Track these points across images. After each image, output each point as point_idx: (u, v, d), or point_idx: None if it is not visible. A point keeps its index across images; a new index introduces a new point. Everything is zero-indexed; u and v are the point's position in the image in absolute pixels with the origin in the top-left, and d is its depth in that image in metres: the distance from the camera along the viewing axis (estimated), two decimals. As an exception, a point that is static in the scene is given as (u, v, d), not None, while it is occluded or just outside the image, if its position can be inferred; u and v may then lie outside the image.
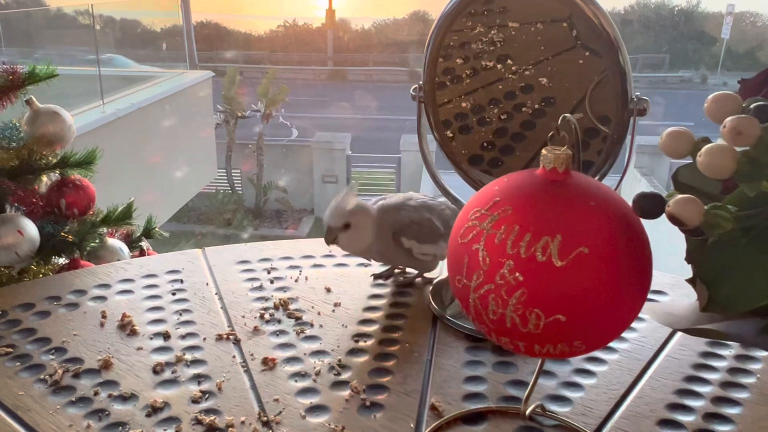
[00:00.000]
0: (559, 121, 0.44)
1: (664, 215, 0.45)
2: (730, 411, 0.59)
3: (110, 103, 4.87)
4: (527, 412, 0.55)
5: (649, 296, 0.79)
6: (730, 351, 0.69)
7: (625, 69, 0.67)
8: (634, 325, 0.73)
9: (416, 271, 0.83)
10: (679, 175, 0.51)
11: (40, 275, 1.14)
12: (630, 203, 0.44)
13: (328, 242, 0.74)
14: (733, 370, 0.65)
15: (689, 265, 0.46)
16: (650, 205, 0.41)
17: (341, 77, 14.49)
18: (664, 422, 0.58)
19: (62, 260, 1.14)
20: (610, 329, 0.44)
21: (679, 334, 0.72)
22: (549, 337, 0.43)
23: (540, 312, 0.42)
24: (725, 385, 0.63)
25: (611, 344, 0.69)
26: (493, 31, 0.77)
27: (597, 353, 0.68)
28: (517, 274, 0.42)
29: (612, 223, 0.43)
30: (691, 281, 0.44)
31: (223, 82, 9.56)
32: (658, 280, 0.83)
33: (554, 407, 0.60)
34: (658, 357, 0.68)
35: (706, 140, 0.41)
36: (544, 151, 0.44)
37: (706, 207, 0.39)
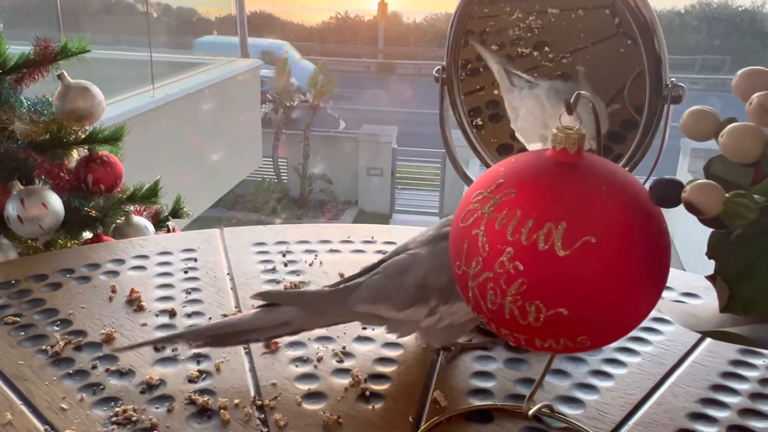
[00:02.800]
0: (572, 98, 0.41)
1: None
2: (758, 425, 0.55)
3: (160, 88, 4.95)
4: (531, 412, 0.52)
5: (680, 298, 0.75)
6: (764, 360, 0.64)
7: (660, 54, 0.63)
8: (660, 327, 0.69)
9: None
10: (712, 166, 0.47)
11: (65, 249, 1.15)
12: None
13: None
14: (765, 381, 0.60)
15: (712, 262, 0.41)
16: (666, 191, 0.37)
17: (390, 70, 14.45)
18: (683, 432, 0.54)
19: (88, 235, 1.15)
20: (618, 325, 0.41)
21: (709, 339, 0.67)
22: (550, 332, 0.40)
23: (540, 304, 0.39)
24: (755, 396, 0.58)
25: (633, 347, 0.65)
26: (531, 17, 0.74)
27: (618, 355, 0.64)
28: (517, 262, 0.39)
29: (625, 211, 0.39)
30: (711, 278, 0.40)
31: (273, 72, 9.64)
32: (690, 282, 0.78)
33: (564, 409, 0.56)
34: (683, 363, 0.64)
35: (732, 120, 0.37)
36: (554, 131, 0.41)
37: (727, 195, 0.35)
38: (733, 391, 0.59)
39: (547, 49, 0.74)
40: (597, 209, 0.39)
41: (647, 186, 0.41)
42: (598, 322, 0.39)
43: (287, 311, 0.58)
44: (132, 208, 1.19)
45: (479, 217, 0.41)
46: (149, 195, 1.21)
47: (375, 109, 11.70)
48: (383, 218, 9.59)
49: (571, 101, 0.40)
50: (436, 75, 0.74)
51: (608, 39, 0.71)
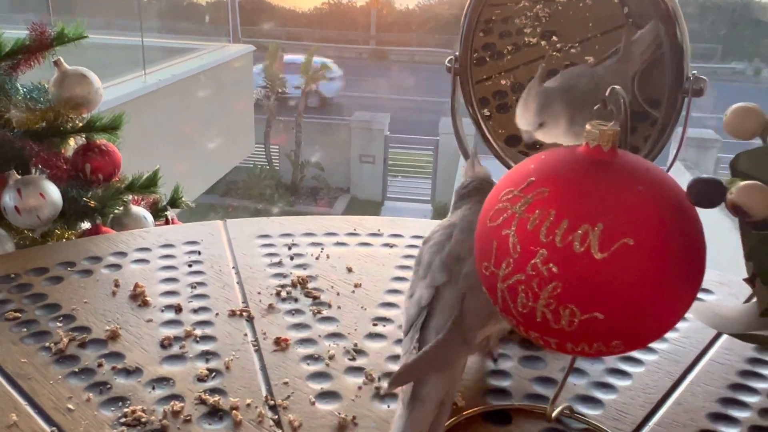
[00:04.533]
0: (607, 93, 0.39)
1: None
2: (780, 426, 0.54)
3: (152, 74, 4.89)
4: (554, 414, 0.51)
5: (698, 295, 0.74)
6: (782, 359, 0.63)
7: (682, 45, 0.61)
8: (675, 324, 0.68)
9: None
10: (739, 162, 0.46)
11: (64, 240, 1.13)
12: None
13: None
14: (784, 381, 0.60)
15: (748, 263, 0.40)
16: (707, 192, 0.36)
17: (383, 57, 14.36)
18: (705, 433, 0.53)
19: (86, 225, 1.13)
20: (653, 330, 0.39)
21: (724, 337, 0.66)
22: (584, 336, 0.38)
23: (575, 308, 0.37)
24: (775, 396, 0.58)
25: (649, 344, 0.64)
26: (538, 6, 0.72)
27: (633, 353, 0.63)
28: (551, 265, 0.37)
29: (662, 212, 0.38)
30: (749, 281, 0.39)
31: (264, 57, 9.56)
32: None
33: (583, 409, 0.55)
34: (700, 361, 0.63)
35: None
36: (588, 126, 0.39)
37: (776, 197, 0.34)
38: (753, 390, 0.58)
39: (554, 38, 0.72)
40: (634, 210, 0.37)
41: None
42: (634, 326, 0.38)
43: (429, 390, 0.47)
44: (130, 197, 1.17)
45: (509, 216, 0.39)
46: (148, 184, 1.18)
47: (367, 96, 11.64)
48: (375, 205, 9.58)
49: (607, 95, 0.39)
50: (448, 65, 0.73)
51: (617, 29, 0.70)
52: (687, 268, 0.38)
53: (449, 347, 0.48)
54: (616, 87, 0.40)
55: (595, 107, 0.39)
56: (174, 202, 1.28)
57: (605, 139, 0.39)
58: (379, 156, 9.81)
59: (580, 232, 0.37)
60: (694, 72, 0.61)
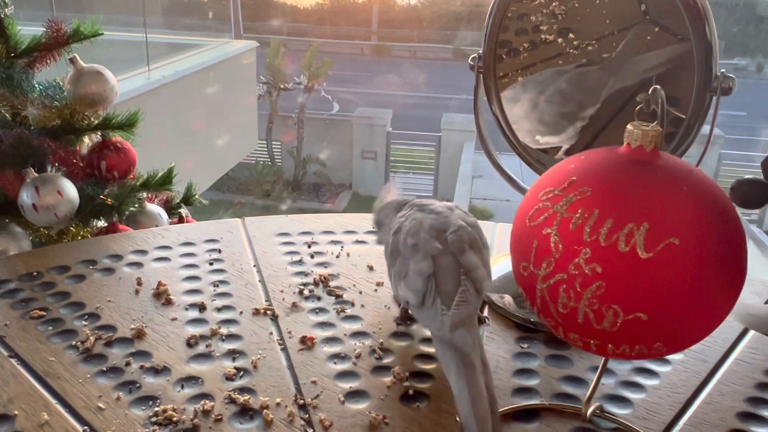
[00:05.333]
0: (650, 91, 0.39)
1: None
2: (810, 425, 0.54)
3: (155, 70, 4.88)
4: (588, 413, 0.51)
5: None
6: (808, 358, 0.63)
7: (711, 42, 0.61)
8: (700, 323, 0.67)
9: None
10: (774, 161, 0.46)
11: (79, 238, 1.13)
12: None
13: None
14: (811, 380, 0.60)
15: None
16: (754, 192, 0.36)
17: (385, 53, 14.34)
18: (736, 433, 0.53)
19: (101, 223, 1.13)
20: (695, 331, 0.39)
21: (750, 336, 0.66)
22: (626, 337, 0.38)
23: (618, 309, 0.37)
24: (804, 395, 0.57)
25: (675, 343, 0.64)
26: (554, 3, 0.72)
27: (659, 352, 0.63)
28: (595, 264, 0.37)
29: (706, 213, 0.37)
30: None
31: (267, 54, 9.55)
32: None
33: (613, 408, 0.55)
34: (726, 360, 0.62)
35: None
36: (629, 127, 0.39)
37: (827, 198, 0.33)
38: (781, 390, 0.58)
39: (571, 35, 0.72)
40: (679, 209, 0.37)
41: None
42: (677, 327, 0.38)
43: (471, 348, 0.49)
44: (145, 195, 1.17)
45: (551, 215, 0.39)
46: (163, 182, 1.18)
47: (369, 92, 11.63)
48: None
49: (649, 94, 0.39)
50: (472, 63, 0.72)
51: (635, 26, 0.69)
52: (729, 269, 0.38)
53: (472, 303, 0.51)
54: (657, 87, 0.40)
55: (637, 108, 0.39)
56: (188, 200, 1.28)
57: (647, 139, 0.39)
58: (381, 152, 9.79)
59: (625, 231, 0.36)
60: (723, 70, 0.61)
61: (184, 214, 1.23)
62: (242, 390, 0.55)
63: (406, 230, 0.57)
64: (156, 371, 0.57)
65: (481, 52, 0.72)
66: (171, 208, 1.24)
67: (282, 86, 9.78)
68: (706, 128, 0.64)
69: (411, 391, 0.56)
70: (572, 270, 0.38)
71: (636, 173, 0.38)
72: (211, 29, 7.77)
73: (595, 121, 0.70)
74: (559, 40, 0.72)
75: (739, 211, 0.40)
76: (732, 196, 0.37)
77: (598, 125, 0.71)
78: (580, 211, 0.38)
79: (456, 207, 0.60)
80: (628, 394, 0.57)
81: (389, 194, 0.69)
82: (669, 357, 0.62)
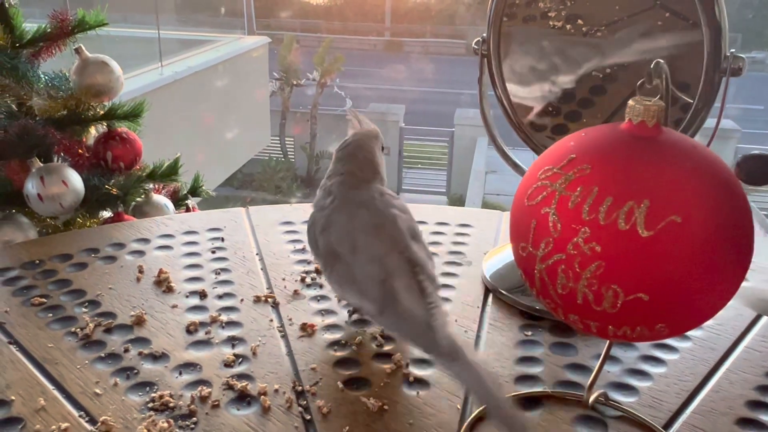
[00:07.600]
0: (652, 66, 0.38)
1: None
2: (822, 414, 0.52)
3: (168, 66, 4.90)
4: (590, 400, 0.49)
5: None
6: (821, 346, 0.61)
7: (720, 22, 0.59)
8: (709, 311, 0.66)
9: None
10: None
11: (85, 228, 1.13)
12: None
13: None
14: (824, 368, 0.58)
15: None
16: (760, 168, 0.34)
17: (398, 48, 14.31)
18: (744, 421, 0.51)
19: (107, 214, 1.13)
20: (699, 313, 0.38)
21: (760, 324, 0.65)
22: (627, 318, 0.37)
23: (618, 289, 0.36)
24: (816, 384, 0.56)
25: (684, 331, 0.63)
26: (563, -12, 0.70)
27: (668, 340, 0.61)
28: (594, 243, 0.36)
29: (711, 189, 0.36)
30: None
31: (279, 49, 9.56)
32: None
33: (618, 396, 0.54)
34: (736, 348, 0.61)
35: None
36: (631, 102, 0.38)
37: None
38: (792, 378, 0.57)
39: (580, 22, 0.70)
40: (682, 187, 0.36)
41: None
42: (679, 308, 0.37)
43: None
44: (151, 186, 1.17)
45: (549, 194, 0.38)
46: (169, 173, 1.18)
47: (382, 88, 11.61)
48: (390, 197, 9.51)
49: (651, 69, 0.37)
50: (476, 47, 0.71)
51: (645, 11, 0.68)
52: (735, 248, 0.37)
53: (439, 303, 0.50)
54: (660, 61, 0.38)
55: (639, 82, 0.37)
56: (195, 191, 1.27)
57: (650, 114, 0.37)
58: (394, 148, 9.77)
59: (625, 209, 0.35)
60: (732, 50, 0.59)
61: (191, 206, 1.23)
62: (240, 376, 0.55)
63: (338, 229, 0.54)
64: (154, 358, 0.57)
65: (484, 35, 0.71)
66: (178, 200, 1.24)
67: (295, 83, 9.79)
68: (724, 123, 0.62)
69: (411, 378, 0.55)
70: (571, 250, 0.37)
71: (637, 149, 0.37)
72: (223, 25, 7.78)
73: (602, 109, 0.69)
74: (568, 26, 0.71)
75: (751, 200, 0.39)
76: (738, 173, 0.36)
77: (606, 113, 0.69)
78: (579, 189, 0.37)
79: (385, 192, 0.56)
80: (633, 381, 0.56)
81: (362, 123, 0.61)
82: (676, 344, 0.61)
